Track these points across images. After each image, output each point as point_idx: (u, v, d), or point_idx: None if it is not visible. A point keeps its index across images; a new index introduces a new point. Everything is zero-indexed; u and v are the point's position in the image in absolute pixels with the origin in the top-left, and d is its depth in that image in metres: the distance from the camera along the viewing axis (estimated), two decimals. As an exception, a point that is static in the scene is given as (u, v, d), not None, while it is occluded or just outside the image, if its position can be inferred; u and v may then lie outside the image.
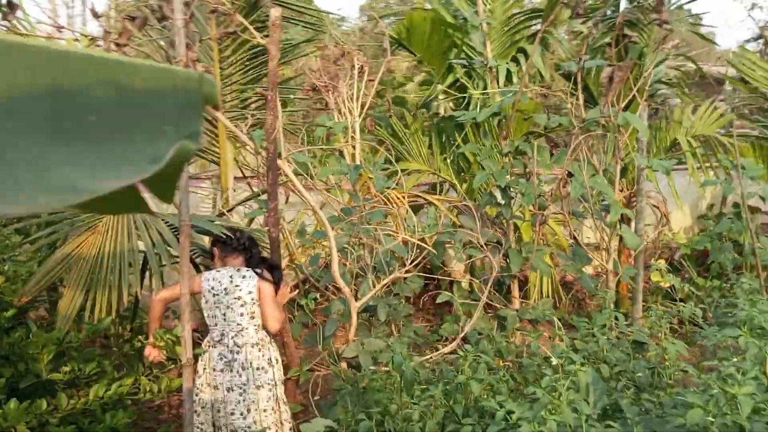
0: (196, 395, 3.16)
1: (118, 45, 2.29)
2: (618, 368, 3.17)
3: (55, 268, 3.02)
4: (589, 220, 6.87)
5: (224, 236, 3.32)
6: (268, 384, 3.15)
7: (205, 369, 3.19)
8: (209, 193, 6.17)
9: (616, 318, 3.49)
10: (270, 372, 3.17)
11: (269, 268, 3.28)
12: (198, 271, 3.96)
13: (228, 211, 4.18)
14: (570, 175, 3.70)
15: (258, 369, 3.14)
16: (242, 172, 5.86)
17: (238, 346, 3.15)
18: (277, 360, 3.26)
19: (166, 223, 3.55)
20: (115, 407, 3.11)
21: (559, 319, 4.32)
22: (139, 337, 3.46)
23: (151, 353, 3.13)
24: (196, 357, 3.14)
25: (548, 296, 5.46)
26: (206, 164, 7.89)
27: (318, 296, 3.70)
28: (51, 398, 2.87)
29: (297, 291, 3.41)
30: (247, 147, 3.25)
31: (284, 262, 5.39)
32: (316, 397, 3.84)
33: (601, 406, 2.38)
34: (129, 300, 4.15)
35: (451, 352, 3.76)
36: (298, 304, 3.68)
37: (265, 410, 3.12)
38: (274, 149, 3.14)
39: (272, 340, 3.29)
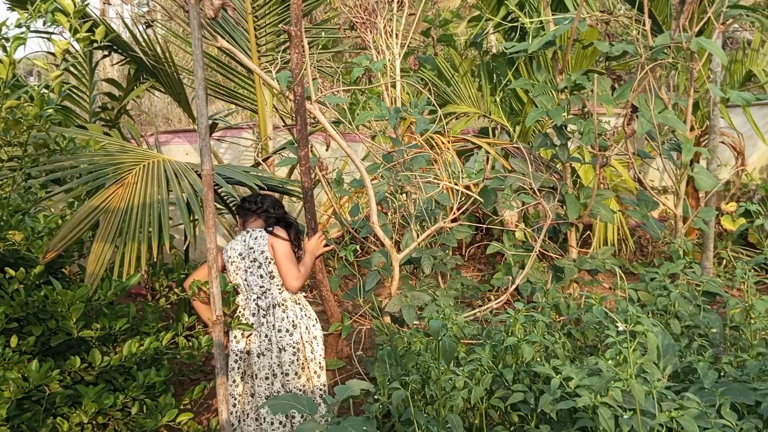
0: (235, 362, 3.03)
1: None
2: (688, 322, 2.85)
3: (82, 223, 2.89)
4: (656, 161, 6.41)
5: (241, 200, 3.20)
6: (292, 347, 2.97)
7: (242, 335, 3.05)
8: (251, 144, 6.01)
9: (690, 267, 3.13)
10: (295, 334, 2.99)
11: (285, 225, 3.11)
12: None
13: (264, 160, 3.98)
14: (635, 110, 3.30)
15: (279, 331, 2.98)
16: (283, 120, 5.65)
17: (262, 309, 3.00)
18: (308, 319, 3.08)
19: (198, 174, 3.38)
20: (152, 365, 3.03)
21: (622, 269, 3.97)
22: (175, 290, 3.35)
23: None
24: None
25: (613, 244, 5.09)
26: (251, 114, 7.73)
27: (358, 248, 3.48)
28: (85, 354, 2.80)
29: (331, 246, 3.20)
30: (286, 93, 3.01)
31: (328, 215, 5.21)
32: (359, 352, 3.68)
33: (673, 369, 2.09)
34: (173, 253, 4.07)
35: (501, 306, 3.50)
36: (338, 257, 3.47)
37: (287, 374, 2.96)
38: (302, 91, 2.88)
39: (299, 300, 3.10)
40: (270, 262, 2.99)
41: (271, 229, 3.06)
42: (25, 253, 2.83)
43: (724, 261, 5.89)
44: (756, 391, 1.95)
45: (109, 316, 2.86)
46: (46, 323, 2.73)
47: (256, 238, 3.04)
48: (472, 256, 6.54)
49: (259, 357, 2.97)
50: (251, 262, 3.02)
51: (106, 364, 2.74)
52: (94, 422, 2.76)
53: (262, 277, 3.01)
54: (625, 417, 1.70)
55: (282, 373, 2.95)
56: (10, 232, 2.64)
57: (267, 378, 2.96)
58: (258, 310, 3.00)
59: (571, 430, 1.87)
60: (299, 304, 3.08)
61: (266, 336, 2.97)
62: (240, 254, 3.05)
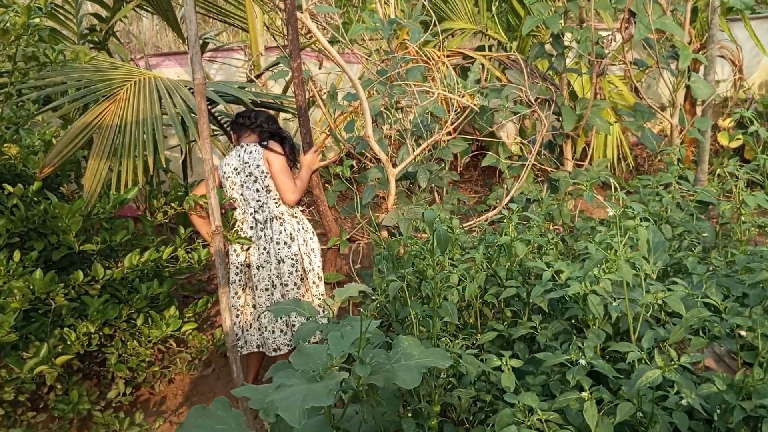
0: (236, 275, 3.09)
1: None
2: (680, 228, 2.89)
3: (76, 138, 2.88)
4: (660, 80, 6.31)
5: (236, 115, 3.19)
6: (290, 258, 3.03)
7: (242, 249, 3.09)
8: (243, 64, 5.90)
9: (683, 177, 3.15)
10: (293, 246, 3.04)
11: (280, 140, 3.11)
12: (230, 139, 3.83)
13: (257, 77, 3.92)
14: (633, 15, 3.23)
15: (278, 243, 3.02)
16: (276, 39, 5.52)
17: (260, 223, 3.04)
18: (306, 232, 3.12)
19: (190, 90, 3.34)
20: (154, 278, 3.09)
21: (617, 183, 3.98)
22: (172, 204, 3.37)
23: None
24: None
25: (611, 159, 5.12)
26: (242, 37, 7.55)
27: (354, 164, 3.48)
28: (88, 270, 2.85)
29: (327, 161, 3.21)
30: (276, 2, 2.94)
31: (325, 133, 5.18)
32: (357, 266, 3.75)
33: (663, 265, 2.14)
34: (170, 176, 4.07)
35: (497, 218, 3.54)
36: (334, 173, 3.48)
37: (286, 284, 3.02)
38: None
39: (296, 213, 3.13)
40: (266, 176, 3.01)
41: (265, 143, 3.05)
42: (22, 169, 2.84)
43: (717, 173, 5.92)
44: (742, 284, 2.01)
45: (109, 231, 2.90)
46: (48, 238, 2.77)
47: (251, 153, 3.04)
48: (468, 179, 6.55)
49: (258, 269, 3.03)
50: (247, 176, 3.03)
51: (109, 277, 2.79)
52: (100, 333, 2.84)
53: (258, 191, 3.03)
54: (614, 304, 1.76)
55: (281, 284, 3.02)
56: (5, 146, 2.63)
57: (267, 289, 3.03)
58: (256, 224, 3.04)
59: (561, 320, 1.94)
60: (296, 217, 3.11)
61: (265, 249, 3.02)
62: (235, 169, 3.06)
